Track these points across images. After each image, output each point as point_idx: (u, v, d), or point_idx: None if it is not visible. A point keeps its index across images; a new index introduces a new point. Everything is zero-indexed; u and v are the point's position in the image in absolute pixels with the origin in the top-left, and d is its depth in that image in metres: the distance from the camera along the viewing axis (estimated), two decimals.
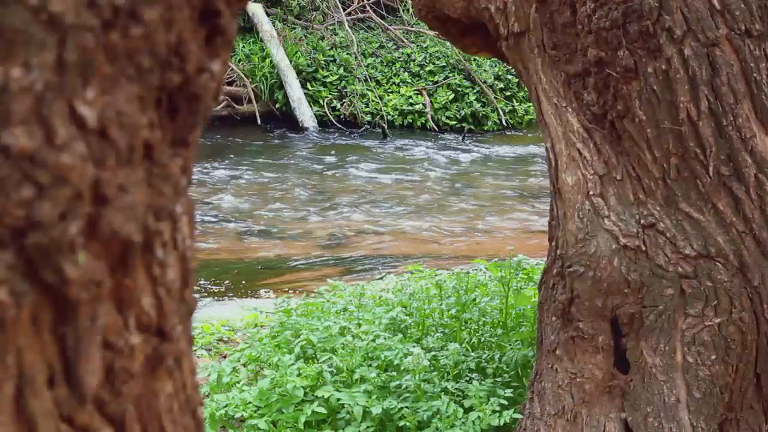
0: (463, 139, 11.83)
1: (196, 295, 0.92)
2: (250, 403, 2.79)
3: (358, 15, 13.72)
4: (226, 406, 2.80)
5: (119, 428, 0.60)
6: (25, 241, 0.51)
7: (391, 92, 12.51)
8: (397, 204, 8.42)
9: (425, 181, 9.50)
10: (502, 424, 2.59)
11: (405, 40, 13.30)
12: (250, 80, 12.02)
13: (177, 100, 0.61)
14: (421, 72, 12.79)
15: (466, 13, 2.39)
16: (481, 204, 8.47)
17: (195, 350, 3.74)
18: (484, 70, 12.90)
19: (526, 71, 2.22)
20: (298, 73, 12.11)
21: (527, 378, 2.82)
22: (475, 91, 12.66)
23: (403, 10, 13.83)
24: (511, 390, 2.77)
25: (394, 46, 13.24)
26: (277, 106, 12.05)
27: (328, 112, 12.04)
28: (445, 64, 12.86)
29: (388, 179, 9.56)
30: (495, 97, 12.72)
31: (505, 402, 2.67)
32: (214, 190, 8.58)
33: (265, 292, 5.54)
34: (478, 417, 2.62)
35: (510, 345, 3.09)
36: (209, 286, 5.69)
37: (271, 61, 12.04)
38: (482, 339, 3.20)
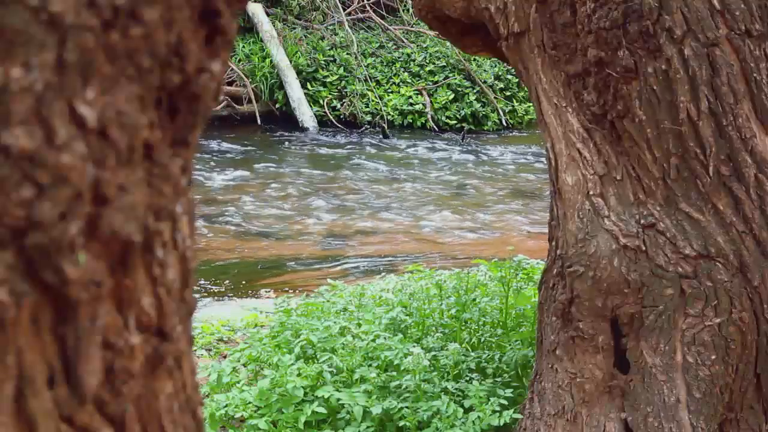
0: (463, 139, 11.83)
1: (196, 295, 0.92)
2: (250, 403, 2.79)
3: (358, 15, 13.72)
4: (226, 406, 2.80)
5: (119, 428, 0.60)
6: (25, 241, 0.51)
7: (391, 92, 12.51)
8: (397, 204, 8.42)
9: (425, 181, 9.50)
10: (502, 424, 2.59)
11: (405, 40, 13.30)
12: (250, 80, 12.02)
13: (177, 100, 0.61)
14: (421, 72, 12.79)
15: (466, 13, 2.39)
16: (481, 204, 8.47)
17: (195, 350, 3.74)
18: (484, 70, 12.90)
19: (526, 71, 2.22)
20: (298, 73, 12.11)
21: (527, 378, 2.82)
22: (475, 91, 12.66)
23: (403, 10, 13.83)
24: (511, 390, 2.77)
25: (394, 46, 13.24)
26: (277, 106, 12.04)
27: (328, 112, 12.04)
28: (445, 64, 12.86)
29: (388, 179, 9.56)
30: (495, 97, 12.72)
31: (505, 402, 2.67)
32: (214, 190, 8.58)
33: (265, 292, 5.54)
34: (478, 417, 2.62)
35: (510, 345, 3.09)
36: (209, 286, 5.69)
37: (271, 61, 12.04)
38: (482, 339, 3.20)
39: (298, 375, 2.81)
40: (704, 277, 2.00)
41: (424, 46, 13.16)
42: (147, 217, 0.59)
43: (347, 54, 12.60)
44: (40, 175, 0.51)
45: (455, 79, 12.67)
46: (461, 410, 2.66)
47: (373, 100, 12.21)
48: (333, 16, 13.28)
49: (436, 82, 12.66)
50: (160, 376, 0.64)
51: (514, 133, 12.52)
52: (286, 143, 11.22)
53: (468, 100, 12.53)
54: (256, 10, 12.39)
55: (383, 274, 5.40)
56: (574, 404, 2.19)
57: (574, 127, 2.10)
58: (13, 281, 0.51)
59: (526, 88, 2.40)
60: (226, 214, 7.75)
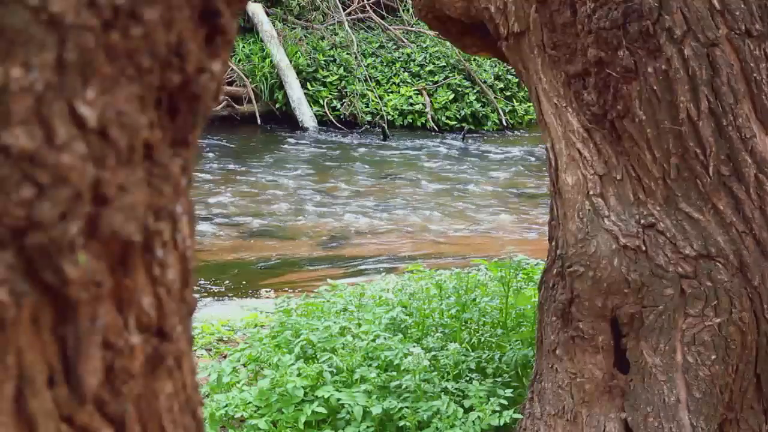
0: (463, 139, 11.82)
1: (196, 295, 0.92)
2: (250, 403, 2.79)
3: (358, 15, 13.72)
4: (226, 406, 2.80)
5: (119, 428, 0.60)
6: (25, 241, 0.51)
7: (391, 92, 12.51)
8: (397, 204, 8.42)
9: (425, 181, 9.50)
10: (502, 424, 2.59)
11: (405, 40, 13.30)
12: (250, 80, 12.02)
13: (177, 100, 0.61)
14: (421, 72, 12.79)
15: (466, 13, 2.39)
16: (481, 204, 8.48)
17: (195, 350, 3.74)
18: (484, 70, 12.90)
19: (526, 71, 2.22)
20: (298, 73, 12.11)
21: (527, 378, 2.82)
22: (475, 91, 12.66)
23: (403, 10, 13.83)
24: (511, 390, 2.77)
25: (394, 46, 13.24)
26: (277, 106, 12.04)
27: (328, 112, 12.04)
28: (445, 64, 12.86)
29: (388, 179, 9.56)
30: (495, 97, 12.72)
31: (505, 402, 2.67)
32: (214, 190, 8.58)
33: (265, 292, 5.54)
34: (478, 417, 2.62)
35: (510, 345, 3.09)
36: (209, 286, 5.69)
37: (271, 61, 12.04)
38: (482, 339, 3.20)
39: (298, 375, 2.81)
40: (704, 277, 2.00)
41: (424, 46, 13.16)
42: (147, 217, 0.59)
43: (347, 54, 12.60)
44: (40, 175, 0.51)
45: (455, 79, 12.67)
46: (461, 410, 2.66)
47: (373, 100, 12.22)
48: (333, 16, 13.28)
49: (436, 82, 12.66)
50: (160, 376, 0.64)
51: (514, 133, 12.52)
52: (286, 143, 11.22)
53: (468, 100, 12.53)
54: (256, 10, 12.39)
55: (383, 274, 5.40)
56: (574, 404, 2.19)
57: (574, 127, 2.10)
58: (13, 281, 0.51)
59: (526, 88, 2.40)
60: (226, 214, 7.75)
